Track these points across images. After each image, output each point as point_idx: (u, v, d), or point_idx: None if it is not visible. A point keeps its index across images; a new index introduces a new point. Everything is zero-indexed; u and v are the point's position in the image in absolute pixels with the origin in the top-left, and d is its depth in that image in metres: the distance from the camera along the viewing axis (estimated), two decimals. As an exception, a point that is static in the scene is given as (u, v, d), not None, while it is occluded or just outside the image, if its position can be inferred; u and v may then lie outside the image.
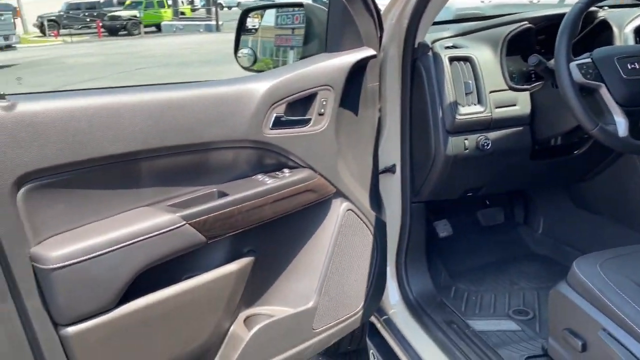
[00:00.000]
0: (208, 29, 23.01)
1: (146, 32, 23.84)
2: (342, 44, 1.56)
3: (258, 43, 1.95)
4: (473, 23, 2.02)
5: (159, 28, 24.98)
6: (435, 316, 1.78)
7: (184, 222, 1.22)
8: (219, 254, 1.39)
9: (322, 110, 1.50)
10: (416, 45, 1.72)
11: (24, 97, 1.06)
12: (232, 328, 1.45)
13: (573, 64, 1.46)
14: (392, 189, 1.87)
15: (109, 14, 24.71)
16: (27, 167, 1.03)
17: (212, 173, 1.35)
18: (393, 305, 1.88)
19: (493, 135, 1.75)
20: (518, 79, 1.82)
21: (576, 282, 1.26)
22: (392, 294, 1.89)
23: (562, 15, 1.52)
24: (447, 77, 1.69)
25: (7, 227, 1.02)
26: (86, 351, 1.12)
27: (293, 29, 1.95)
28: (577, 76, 1.45)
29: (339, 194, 1.58)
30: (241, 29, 1.80)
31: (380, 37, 1.67)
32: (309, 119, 1.48)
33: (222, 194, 1.33)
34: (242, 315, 1.49)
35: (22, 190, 1.04)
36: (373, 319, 1.90)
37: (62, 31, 23.95)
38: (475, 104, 1.72)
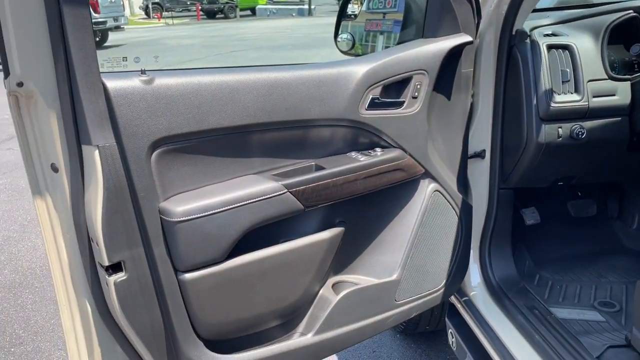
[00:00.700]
0: (300, 13, 23.35)
1: (241, 16, 24.62)
2: (440, 30, 1.61)
3: (357, 28, 2.04)
4: (575, 11, 1.99)
5: (253, 12, 25.72)
6: (516, 300, 1.81)
7: (286, 190, 1.35)
8: (314, 222, 1.52)
9: (416, 94, 1.57)
10: (514, 33, 1.74)
11: (160, 73, 1.24)
12: (321, 291, 1.58)
13: None
14: (480, 174, 1.91)
15: (208, -2, 25.72)
16: (161, 132, 1.21)
17: (311, 148, 1.48)
18: (474, 287, 1.93)
19: (589, 124, 1.74)
20: (619, 69, 1.79)
21: None
22: (473, 276, 1.94)
23: None
24: (543, 65, 1.69)
25: (143, 183, 1.20)
26: (199, 295, 1.29)
27: (384, 13, 2.00)
28: None
29: (427, 174, 1.65)
30: (342, 14, 1.90)
31: (478, 24, 1.70)
32: (403, 102, 1.56)
33: (319, 168, 1.46)
34: (331, 280, 1.62)
35: (156, 152, 1.22)
36: (453, 299, 1.96)
37: (164, 14, 25.31)
38: (571, 93, 1.72)
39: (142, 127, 1.19)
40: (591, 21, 1.81)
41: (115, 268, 1.20)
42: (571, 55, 1.73)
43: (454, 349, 1.92)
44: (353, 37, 1.87)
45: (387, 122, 1.53)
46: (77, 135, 1.14)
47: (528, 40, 1.73)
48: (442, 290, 1.77)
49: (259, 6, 25.87)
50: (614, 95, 1.74)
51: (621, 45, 1.80)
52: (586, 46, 1.75)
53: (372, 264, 1.65)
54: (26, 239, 3.83)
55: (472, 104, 1.80)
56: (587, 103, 1.72)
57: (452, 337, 1.94)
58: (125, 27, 18.98)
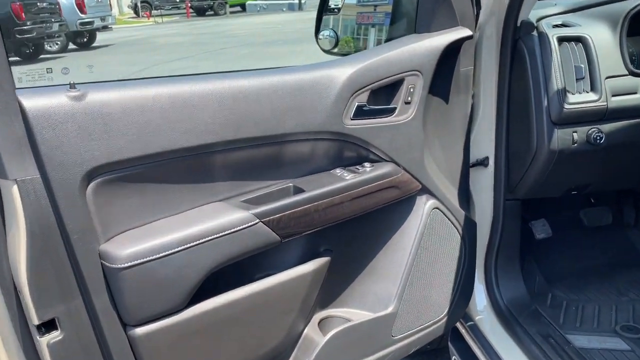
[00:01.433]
0: (291, 8, 23.06)
1: (231, 12, 24.33)
2: (434, 23, 1.39)
3: (339, 22, 1.82)
4: (586, -3, 1.77)
5: (243, 8, 25.39)
6: (528, 327, 1.60)
7: (257, 220, 1.13)
8: (294, 252, 1.30)
9: (409, 98, 1.35)
10: (518, 24, 1.52)
11: (95, 87, 1.01)
12: (305, 331, 1.36)
13: None
14: (483, 184, 1.70)
15: (197, -5, 25.37)
16: (98, 160, 0.99)
17: (288, 166, 1.26)
18: (480, 311, 1.72)
19: (608, 127, 1.52)
20: None
21: None
22: (479, 299, 1.73)
23: None
24: (554, 60, 1.47)
25: (77, 222, 0.98)
26: (154, 353, 1.07)
27: (375, 5, 1.80)
28: None
29: (425, 190, 1.44)
30: (323, 8, 1.68)
31: (477, 15, 1.48)
32: (394, 108, 1.34)
33: (298, 190, 1.24)
34: (317, 317, 1.41)
35: (92, 184, 1.00)
36: (457, 323, 1.75)
37: (153, 12, 24.97)
38: (587, 92, 1.50)
39: (72, 155, 0.96)
40: (607, 9, 1.60)
41: (47, 326, 0.98)
42: (585, 49, 1.51)
43: (459, 378, 1.72)
44: (336, 33, 1.65)
45: (376, 133, 1.32)
46: None
47: (535, 33, 1.52)
48: (444, 320, 1.56)
49: (248, 2, 25.54)
50: (635, 93, 1.53)
51: None
52: (602, 38, 1.53)
53: (364, 295, 1.44)
54: None
55: (472, 106, 1.59)
56: (605, 103, 1.50)
57: None
58: (114, 26, 18.70)
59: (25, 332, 1.02)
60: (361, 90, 1.28)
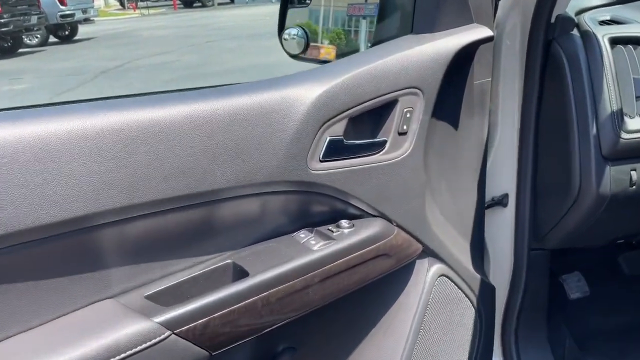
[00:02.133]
0: (280, -1, 22.48)
1: (219, 4, 23.75)
2: (439, 20, 0.99)
3: (326, 15, 1.40)
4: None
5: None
6: None
7: (169, 332, 0.72)
8: (239, 357, 0.90)
9: (405, 127, 0.95)
10: (553, 20, 1.12)
11: None
12: None
13: None
14: (501, 228, 1.30)
15: (185, -14, 24.77)
16: None
17: (225, 234, 0.85)
18: (497, 392, 1.33)
19: None
20: None
21: None
22: (495, 375, 1.33)
23: None
24: (607, 71, 1.07)
25: None
26: None
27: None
28: None
29: (428, 252, 1.04)
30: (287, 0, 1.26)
31: (496, 7, 1.08)
32: (383, 142, 0.94)
33: (240, 271, 0.83)
34: None
35: None
36: None
37: (139, 4, 24.35)
38: None
39: None
40: None
41: None
42: None
43: None
44: (306, 32, 1.23)
45: (358, 179, 0.92)
46: None
47: (576, 31, 1.11)
48: None
49: (237, -7, 24.97)
50: None
51: None
52: None
53: None
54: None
55: (489, 130, 1.19)
56: None
57: None
58: (98, 19, 18.14)
59: None
60: (335, 119, 0.88)
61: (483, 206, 1.21)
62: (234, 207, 0.83)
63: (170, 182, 0.74)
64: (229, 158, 0.79)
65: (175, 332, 0.72)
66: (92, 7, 15.85)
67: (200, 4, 23.98)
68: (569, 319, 1.49)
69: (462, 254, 1.12)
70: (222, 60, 9.30)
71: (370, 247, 0.91)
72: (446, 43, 0.97)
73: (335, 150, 0.89)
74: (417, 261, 1.04)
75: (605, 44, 1.08)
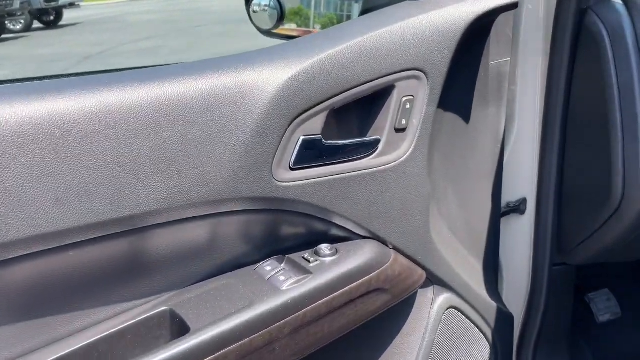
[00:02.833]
0: (272, -18, 22.04)
1: (209, -12, 23.31)
2: None
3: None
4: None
5: (222, -17, 24.34)
6: None
7: None
8: None
9: (404, 122, 0.73)
10: None
11: None
12: None
13: None
14: (516, 240, 1.08)
15: (174, -31, 24.20)
16: None
17: (159, 269, 0.63)
18: None
19: None
20: None
21: None
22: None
23: None
24: None
25: None
26: None
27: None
28: None
29: (433, 279, 0.82)
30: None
31: None
32: (376, 142, 0.72)
33: (179, 323, 0.61)
34: None
35: None
36: None
37: (128, -12, 23.83)
38: None
39: None
40: None
41: None
42: None
43: None
44: (279, 2, 0.98)
45: (342, 190, 0.69)
46: None
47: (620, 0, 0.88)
48: None
49: (228, -24, 24.46)
50: None
51: None
52: None
53: None
54: None
55: (507, 120, 0.97)
56: None
57: None
58: (84, 4, 17.71)
59: None
60: (310, 112, 0.65)
61: (499, 217, 0.99)
62: (171, 234, 0.61)
63: (66, 208, 0.52)
64: (157, 169, 0.56)
65: None
66: (77, -8, 15.45)
67: (189, -12, 23.51)
68: (595, 343, 1.28)
69: (474, 277, 0.91)
70: (210, 45, 9.01)
71: (360, 281, 0.69)
72: (457, 11, 0.74)
73: (312, 154, 0.66)
74: (420, 291, 0.82)
75: None
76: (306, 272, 0.67)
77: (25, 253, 0.51)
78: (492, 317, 0.92)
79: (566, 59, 0.92)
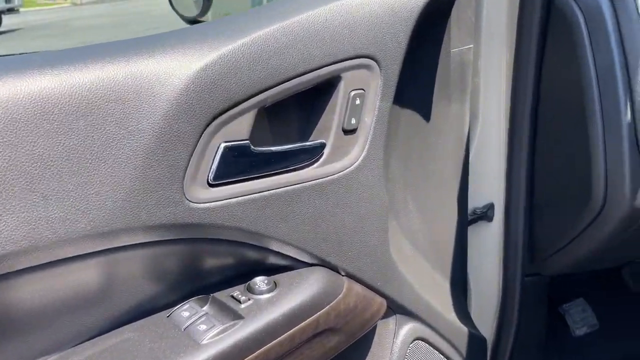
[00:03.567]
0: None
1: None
2: None
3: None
4: None
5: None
6: None
7: None
8: None
9: (354, 121, 0.60)
10: None
11: None
12: None
13: None
14: (484, 250, 0.97)
15: (122, -27, 23.61)
16: None
17: (42, 326, 0.47)
18: None
19: None
20: None
21: None
22: None
23: None
24: None
25: None
26: None
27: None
28: None
29: (394, 308, 0.69)
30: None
31: None
32: (320, 147, 0.58)
33: None
34: None
35: None
36: None
37: (73, -8, 23.09)
38: None
39: None
40: None
41: None
42: None
43: None
44: (205, -15, 0.84)
45: (278, 209, 0.56)
46: None
47: None
48: None
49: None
50: None
51: None
52: None
53: None
54: None
55: (470, 117, 0.86)
56: None
57: None
58: (24, 9, 17.00)
59: None
60: (233, 112, 0.51)
61: (465, 226, 0.88)
62: (47, 280, 0.45)
63: None
64: (11, 195, 0.40)
65: None
66: (16, -4, 14.81)
67: (139, -8, 23.04)
68: (570, 355, 1.19)
69: (441, 299, 0.79)
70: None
71: (305, 323, 0.55)
72: None
73: (237, 166, 0.52)
74: (380, 322, 0.69)
75: None
76: (236, 316, 0.52)
77: None
78: (463, 343, 0.80)
79: (534, 44, 0.81)
